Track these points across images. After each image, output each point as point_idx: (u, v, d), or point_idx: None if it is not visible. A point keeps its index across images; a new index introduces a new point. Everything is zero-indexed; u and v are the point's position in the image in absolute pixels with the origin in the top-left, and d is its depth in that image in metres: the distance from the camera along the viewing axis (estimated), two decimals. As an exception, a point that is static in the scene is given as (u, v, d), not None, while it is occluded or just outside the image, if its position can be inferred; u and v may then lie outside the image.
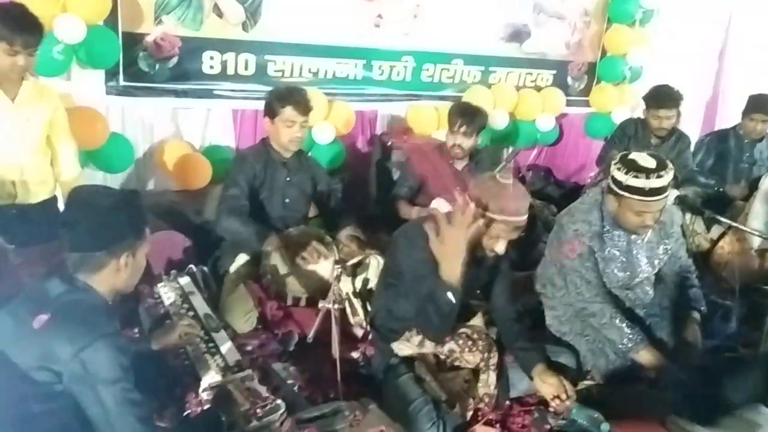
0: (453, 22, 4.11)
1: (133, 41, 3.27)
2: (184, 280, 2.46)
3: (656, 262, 2.46)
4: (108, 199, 1.54)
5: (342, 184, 3.81)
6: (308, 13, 3.64)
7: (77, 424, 1.46)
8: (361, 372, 2.31)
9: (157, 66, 3.37)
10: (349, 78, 3.93)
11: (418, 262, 2.02)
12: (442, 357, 2.17)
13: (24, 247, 2.50)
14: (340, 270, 2.41)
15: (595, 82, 4.95)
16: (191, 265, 2.78)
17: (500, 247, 2.00)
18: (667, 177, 2.17)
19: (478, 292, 2.32)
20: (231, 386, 1.83)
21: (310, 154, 3.78)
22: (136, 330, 2.44)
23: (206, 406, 1.81)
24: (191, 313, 2.24)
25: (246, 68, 3.59)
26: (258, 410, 1.77)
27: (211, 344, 2.07)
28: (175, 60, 3.40)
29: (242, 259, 2.75)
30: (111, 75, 3.28)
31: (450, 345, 2.15)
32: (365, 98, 4.04)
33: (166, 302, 2.36)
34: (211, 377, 1.92)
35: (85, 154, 3.12)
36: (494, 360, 2.16)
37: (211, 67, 3.50)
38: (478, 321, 2.26)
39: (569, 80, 4.83)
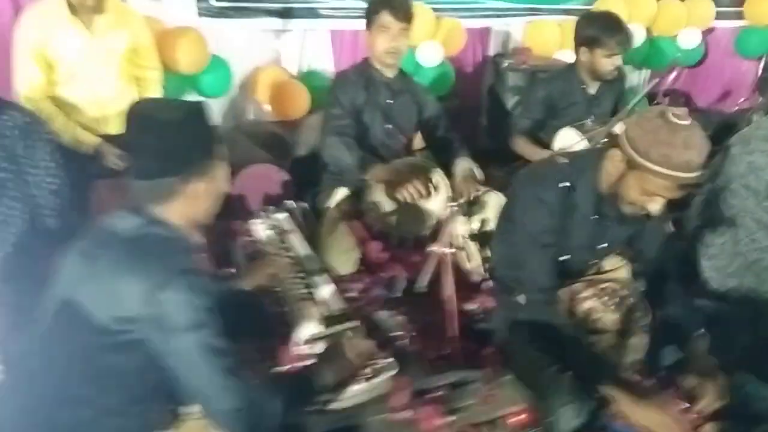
0: None
1: (223, -45, 2.99)
2: (282, 216, 2.22)
3: None
4: (170, 113, 1.27)
5: (448, 113, 3.43)
6: None
7: (155, 377, 1.26)
8: (479, 327, 2.00)
9: (250, -18, 3.08)
10: (459, -10, 3.46)
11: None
12: (579, 317, 1.80)
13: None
14: (454, 209, 2.10)
15: (751, -12, 4.16)
16: (289, 201, 2.56)
17: (655, 207, 1.58)
18: None
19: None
20: (336, 339, 1.58)
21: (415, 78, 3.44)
22: (234, 270, 2.26)
23: (303, 362, 1.56)
24: (290, 254, 2.00)
25: (344, -17, 3.23)
26: (367, 369, 1.52)
27: (310, 289, 1.82)
28: (268, -25, 3.10)
29: (342, 193, 2.49)
30: (202, -5, 3.03)
31: (589, 303, 1.77)
32: (476, 14, 3.56)
33: (262, 239, 2.14)
34: (310, 328, 1.67)
35: (182, 79, 2.92)
36: (646, 320, 1.77)
37: (307, -19, 3.17)
38: (623, 273, 1.86)
39: (718, -12, 4.07)
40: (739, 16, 4.20)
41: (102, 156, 2.32)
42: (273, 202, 2.68)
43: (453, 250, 1.90)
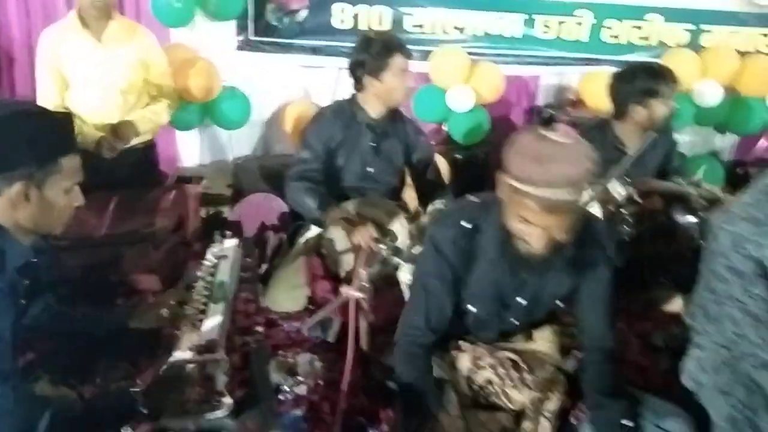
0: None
1: (262, -7, 3.12)
2: (230, 244, 2.18)
3: None
4: (6, 113, 1.27)
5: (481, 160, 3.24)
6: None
7: None
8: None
9: (286, 20, 3.18)
10: (504, 36, 3.29)
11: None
12: (476, 388, 1.53)
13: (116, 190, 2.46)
14: (386, 251, 1.94)
15: None
16: (268, 232, 2.54)
17: (533, 239, 1.34)
18: None
19: (560, 303, 1.63)
20: (184, 368, 1.49)
21: (445, 124, 3.32)
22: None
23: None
24: (210, 278, 1.95)
25: (380, 23, 3.21)
26: (198, 404, 1.41)
27: (202, 315, 1.74)
28: (304, 13, 3.17)
29: (315, 230, 2.41)
30: (241, 29, 3.18)
31: (487, 373, 1.51)
32: (525, 61, 3.36)
33: (205, 264, 2.11)
34: (178, 354, 1.59)
35: (201, 108, 3.05)
36: (553, 405, 1.47)
37: (342, 21, 3.20)
38: (539, 344, 1.57)
39: (832, 45, 3.50)
40: None
41: (99, 147, 2.43)
42: (266, 230, 2.68)
43: (362, 295, 1.72)
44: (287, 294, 2.22)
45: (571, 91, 3.46)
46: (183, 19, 2.96)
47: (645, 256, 2.39)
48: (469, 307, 1.54)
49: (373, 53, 2.29)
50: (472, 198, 1.56)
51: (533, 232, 1.32)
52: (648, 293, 2.44)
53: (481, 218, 1.48)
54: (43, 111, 1.35)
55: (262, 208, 2.84)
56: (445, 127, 3.33)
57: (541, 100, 3.49)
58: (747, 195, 1.61)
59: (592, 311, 1.55)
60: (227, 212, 2.88)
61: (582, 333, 1.58)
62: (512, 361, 1.51)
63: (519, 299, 1.55)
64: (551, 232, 1.31)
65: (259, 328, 1.94)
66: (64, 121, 1.36)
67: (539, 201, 1.26)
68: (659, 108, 2.45)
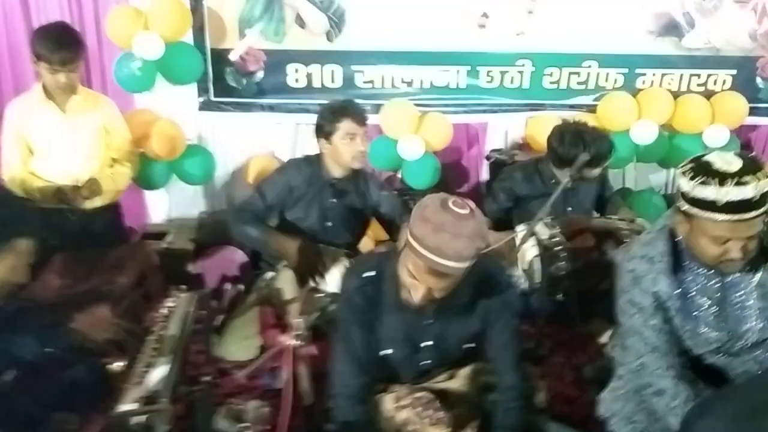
0: (581, 14, 3.42)
1: (220, 57, 3.31)
2: (184, 296, 2.31)
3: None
4: None
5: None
6: (399, 16, 3.31)
7: None
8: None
9: (244, 81, 3.37)
10: (450, 87, 3.50)
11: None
12: (397, 427, 1.65)
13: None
14: (328, 300, 2.08)
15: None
16: (228, 284, 2.66)
17: (414, 293, 1.51)
18: (758, 185, 1.41)
19: (473, 345, 1.77)
20: (127, 420, 1.60)
21: (399, 172, 3.50)
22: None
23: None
24: (162, 332, 2.07)
25: (332, 80, 3.41)
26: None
27: (149, 368, 1.86)
28: (260, 74, 3.37)
29: (269, 276, 2.54)
30: (202, 91, 3.36)
31: (407, 413, 1.63)
32: (472, 109, 3.56)
33: (158, 317, 2.24)
34: (123, 406, 1.71)
35: (167, 167, 3.21)
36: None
37: (297, 80, 3.40)
38: (457, 383, 1.70)
39: (760, 82, 3.72)
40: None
41: (71, 198, 2.58)
42: (226, 281, 2.81)
43: (298, 342, 1.84)
44: (240, 344, 2.34)
45: (518, 136, 3.65)
46: (145, 85, 3.14)
47: (580, 291, 2.54)
48: (385, 351, 1.67)
49: (325, 117, 2.47)
50: (376, 249, 1.72)
51: (415, 285, 1.48)
52: (584, 327, 2.58)
53: (382, 267, 1.64)
54: (5, 197, 1.50)
55: (224, 260, 2.98)
56: (399, 175, 3.50)
57: (489, 146, 3.67)
58: (645, 234, 1.77)
59: (499, 355, 1.69)
60: (190, 266, 3.02)
61: (493, 373, 1.71)
62: (428, 400, 1.63)
63: (426, 342, 1.69)
64: (431, 291, 1.48)
65: (207, 378, 2.06)
66: (23, 207, 1.52)
67: (427, 263, 1.41)
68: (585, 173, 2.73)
